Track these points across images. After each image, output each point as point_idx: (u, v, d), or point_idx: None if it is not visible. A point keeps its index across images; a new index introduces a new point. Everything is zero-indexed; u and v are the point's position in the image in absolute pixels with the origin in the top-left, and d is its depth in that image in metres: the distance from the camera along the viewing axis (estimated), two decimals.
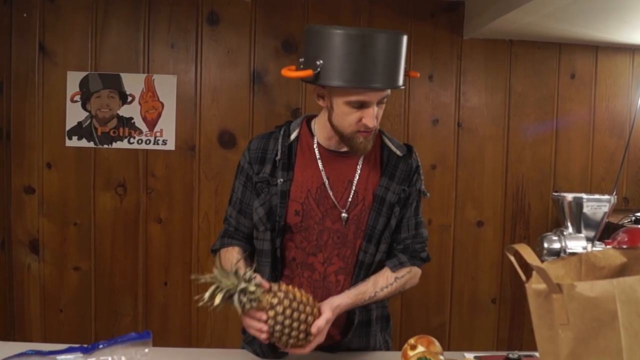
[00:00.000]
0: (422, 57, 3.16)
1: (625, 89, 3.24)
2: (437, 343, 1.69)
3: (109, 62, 3.13)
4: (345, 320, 1.82)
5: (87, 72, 3.13)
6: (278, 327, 1.51)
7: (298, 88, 3.13)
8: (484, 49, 3.19)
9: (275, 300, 1.51)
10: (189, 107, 3.15)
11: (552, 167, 3.23)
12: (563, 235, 1.95)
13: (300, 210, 1.80)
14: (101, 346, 1.43)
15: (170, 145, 3.15)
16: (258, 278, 1.54)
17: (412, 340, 1.70)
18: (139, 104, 3.14)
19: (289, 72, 1.74)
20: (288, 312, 1.51)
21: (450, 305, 3.28)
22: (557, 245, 1.92)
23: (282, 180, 1.79)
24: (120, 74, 3.13)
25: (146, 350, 1.43)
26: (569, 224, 1.97)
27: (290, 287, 1.58)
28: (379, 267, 1.85)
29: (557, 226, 2.92)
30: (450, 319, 3.28)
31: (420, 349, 1.65)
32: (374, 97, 1.66)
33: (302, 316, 1.53)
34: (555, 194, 2.00)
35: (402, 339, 3.16)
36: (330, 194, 1.80)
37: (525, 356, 1.80)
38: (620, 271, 1.32)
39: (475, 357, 1.77)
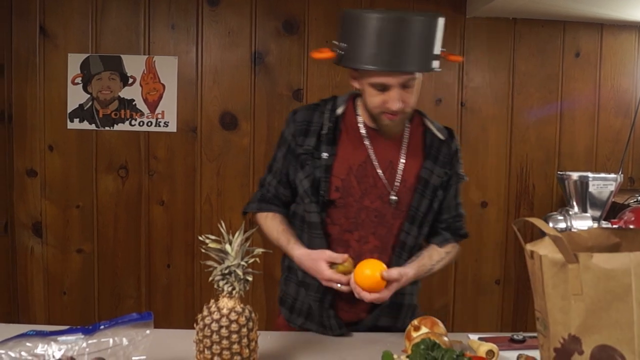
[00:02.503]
0: None
1: (630, 68, 3.20)
2: (441, 324, 1.68)
3: (109, 44, 3.11)
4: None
5: (88, 54, 3.10)
6: None
7: (299, 68, 3.11)
8: (488, 27, 3.15)
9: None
10: (190, 89, 3.13)
11: (556, 147, 3.20)
12: (569, 214, 1.95)
13: (340, 186, 1.82)
14: (102, 327, 1.43)
15: (172, 127, 3.13)
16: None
17: (415, 322, 1.69)
18: (140, 85, 3.12)
19: (316, 54, 1.77)
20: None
21: (454, 287, 3.27)
22: (562, 225, 1.92)
23: (326, 154, 1.81)
24: (121, 55, 3.11)
25: (147, 331, 1.43)
26: (574, 204, 1.96)
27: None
28: (418, 249, 1.90)
29: (561, 207, 2.91)
30: (453, 300, 3.28)
31: (424, 330, 1.64)
32: (393, 80, 1.67)
33: None
34: (560, 173, 1.99)
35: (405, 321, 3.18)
36: (379, 172, 1.83)
37: (531, 337, 1.79)
38: (613, 251, 1.31)
39: (479, 338, 1.76)
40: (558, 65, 3.17)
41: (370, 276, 1.69)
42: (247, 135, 3.13)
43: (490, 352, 1.60)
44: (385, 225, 1.85)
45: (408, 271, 1.77)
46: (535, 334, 1.79)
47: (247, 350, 1.44)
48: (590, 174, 1.79)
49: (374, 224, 1.84)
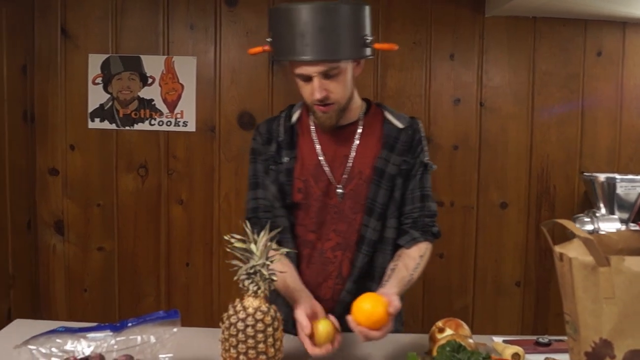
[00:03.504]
0: (443, 36, 3.12)
1: None
2: (465, 326, 1.67)
3: (129, 44, 3.13)
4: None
5: (108, 55, 3.12)
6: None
7: None
8: (507, 26, 3.13)
9: None
10: (208, 89, 3.14)
11: (578, 147, 3.17)
12: (595, 216, 1.92)
13: (302, 187, 1.83)
14: (130, 325, 1.44)
15: (191, 127, 3.15)
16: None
17: (440, 323, 1.68)
18: (159, 85, 3.14)
19: (250, 50, 1.78)
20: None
21: (474, 288, 3.25)
22: (589, 227, 1.89)
23: (287, 159, 1.84)
24: (141, 56, 3.13)
25: (175, 329, 1.44)
26: (601, 205, 1.93)
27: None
28: (389, 245, 1.85)
29: (583, 208, 2.89)
30: (473, 302, 3.26)
31: (449, 331, 1.63)
32: (311, 70, 1.68)
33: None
34: (587, 174, 1.96)
35: (424, 322, 3.18)
36: (327, 170, 1.83)
37: (556, 340, 1.77)
38: None
39: (504, 340, 1.75)
40: (579, 64, 3.14)
41: (372, 311, 1.55)
42: None
43: (515, 355, 1.59)
44: (344, 220, 1.83)
45: (394, 290, 1.66)
46: (560, 337, 1.79)
47: (272, 350, 1.44)
48: (617, 176, 1.76)
49: (334, 220, 1.84)
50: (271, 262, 1.47)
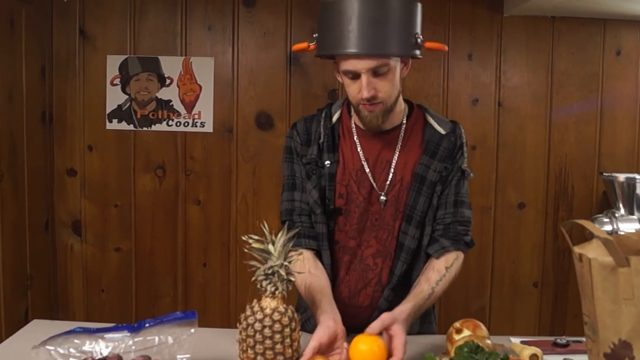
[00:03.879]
0: (461, 35, 3.11)
1: None
2: (483, 327, 1.66)
3: (147, 45, 3.14)
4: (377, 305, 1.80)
5: (126, 56, 3.14)
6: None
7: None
8: (525, 26, 3.11)
9: None
10: (226, 89, 3.15)
11: (596, 147, 3.14)
12: (615, 217, 1.90)
13: (344, 193, 1.79)
14: (147, 325, 1.44)
15: (208, 127, 3.16)
16: None
17: (457, 324, 1.68)
18: (177, 86, 3.15)
19: (295, 46, 1.75)
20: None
21: (491, 289, 3.24)
22: (608, 228, 1.87)
23: (328, 162, 1.78)
24: (159, 56, 3.14)
25: (192, 330, 1.44)
26: (620, 206, 1.91)
27: None
28: (424, 254, 1.80)
29: (602, 208, 2.86)
30: (490, 303, 3.24)
31: (466, 332, 1.63)
32: (360, 66, 1.61)
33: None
34: (606, 174, 1.94)
35: (441, 323, 3.14)
36: (370, 176, 1.78)
37: (575, 341, 1.76)
38: None
39: (521, 341, 1.74)
40: (598, 63, 3.12)
41: (368, 352, 1.47)
42: (282, 135, 3.13)
43: (534, 356, 1.58)
44: (385, 228, 1.79)
45: (407, 311, 1.58)
46: (578, 338, 1.77)
47: (289, 350, 1.44)
48: (637, 176, 1.74)
49: (375, 227, 1.79)
50: (289, 262, 1.46)
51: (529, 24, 3.11)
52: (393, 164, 1.78)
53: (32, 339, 1.44)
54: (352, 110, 1.81)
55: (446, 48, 1.70)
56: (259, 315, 1.43)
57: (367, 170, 1.78)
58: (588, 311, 1.27)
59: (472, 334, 1.60)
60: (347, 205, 1.79)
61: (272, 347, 1.42)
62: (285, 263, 1.45)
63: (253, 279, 1.46)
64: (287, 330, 1.43)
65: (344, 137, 1.82)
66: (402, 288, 1.77)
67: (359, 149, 1.80)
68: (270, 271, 1.45)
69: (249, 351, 1.43)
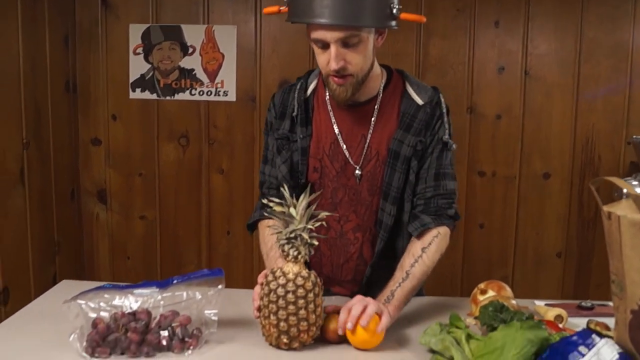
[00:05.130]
0: (488, 2, 3.05)
1: None
2: (507, 288, 1.66)
3: (169, 14, 3.14)
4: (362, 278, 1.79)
5: (149, 25, 3.14)
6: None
7: None
8: None
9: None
10: (249, 58, 3.14)
11: (624, 117, 3.08)
12: None
13: (318, 167, 1.74)
14: (175, 282, 1.46)
15: (231, 96, 3.16)
16: None
17: (482, 285, 1.67)
18: (200, 55, 3.15)
19: (265, 9, 1.63)
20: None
21: (514, 259, 3.22)
22: (638, 190, 1.85)
23: (301, 136, 1.72)
24: (181, 25, 3.14)
25: (219, 286, 1.45)
26: None
27: None
28: (406, 231, 1.72)
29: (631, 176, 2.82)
30: (513, 272, 3.23)
31: (491, 293, 1.63)
32: (328, 36, 1.51)
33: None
34: (636, 137, 1.91)
35: (462, 291, 3.16)
36: (344, 148, 1.71)
37: (599, 305, 1.75)
38: None
39: (546, 304, 1.73)
40: (628, 31, 3.04)
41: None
42: None
43: (559, 317, 1.58)
44: (362, 203, 1.73)
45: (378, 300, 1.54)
46: (603, 302, 1.77)
47: (313, 316, 1.41)
48: None
49: (353, 202, 1.74)
50: (312, 226, 1.43)
51: None
52: (368, 137, 1.70)
53: (63, 296, 1.47)
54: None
55: (424, 19, 1.62)
56: (282, 280, 1.40)
57: (342, 143, 1.72)
58: (616, 269, 1.26)
59: (497, 295, 1.60)
60: (321, 179, 1.74)
61: (295, 312, 1.39)
62: (309, 226, 1.42)
63: (275, 242, 1.45)
64: (311, 295, 1.40)
65: (318, 109, 1.75)
66: (385, 262, 1.72)
67: (332, 121, 1.72)
68: (292, 235, 1.42)
69: (272, 317, 1.40)
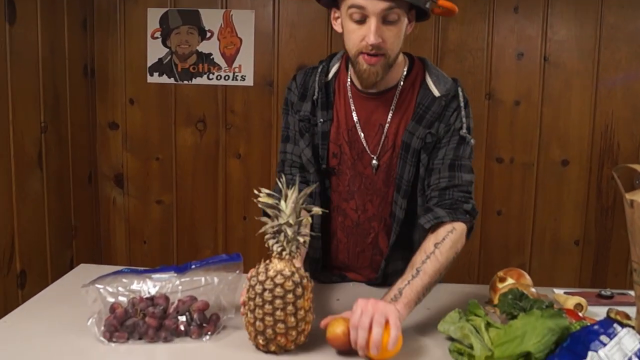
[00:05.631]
0: None
1: None
2: (527, 276, 1.66)
3: None
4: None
5: (167, 9, 3.13)
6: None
7: None
8: None
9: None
10: (267, 42, 3.13)
11: None
12: None
13: (337, 152, 1.73)
14: (193, 266, 1.46)
15: (249, 81, 3.15)
16: None
17: (501, 273, 1.67)
18: (218, 39, 3.14)
19: None
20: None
21: (531, 246, 3.20)
22: None
23: (322, 120, 1.71)
24: (199, 9, 3.13)
25: (237, 271, 1.45)
26: None
27: None
28: (419, 226, 1.68)
29: None
30: (530, 260, 3.21)
31: (510, 281, 1.62)
32: (370, 5, 1.47)
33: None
34: None
35: (480, 278, 3.15)
36: (361, 136, 1.70)
37: (619, 294, 1.74)
38: None
39: (565, 292, 1.72)
40: None
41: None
42: None
43: (578, 306, 1.57)
44: (377, 194, 1.73)
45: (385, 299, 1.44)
46: (623, 291, 1.76)
47: (292, 319, 1.31)
48: None
49: (369, 192, 1.73)
50: (300, 223, 1.33)
51: None
52: (386, 127, 1.68)
53: (80, 280, 1.48)
54: (350, 68, 1.69)
55: (457, 10, 1.60)
56: (262, 277, 1.31)
57: (360, 131, 1.70)
58: (637, 257, 1.25)
59: (516, 282, 1.59)
60: (340, 165, 1.73)
61: (272, 312, 1.30)
62: (292, 222, 1.31)
63: (260, 232, 1.35)
64: (290, 296, 1.30)
65: (339, 94, 1.73)
66: (403, 253, 1.70)
67: (352, 108, 1.71)
68: (276, 229, 1.33)
69: (249, 315, 1.33)
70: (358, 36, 1.53)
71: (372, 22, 1.49)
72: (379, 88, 1.67)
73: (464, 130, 1.65)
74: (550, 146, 3.11)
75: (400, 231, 1.71)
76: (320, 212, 1.35)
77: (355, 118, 1.70)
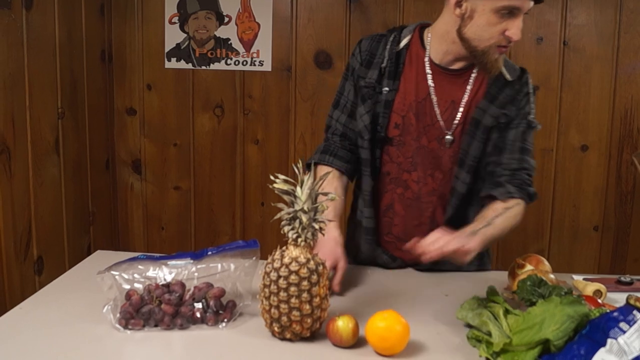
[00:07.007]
0: None
1: None
2: (546, 262, 1.65)
3: None
4: None
5: None
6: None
7: (395, 6, 3.03)
8: None
9: None
10: (285, 28, 3.12)
11: None
12: None
13: (400, 123, 1.74)
14: (210, 253, 1.46)
15: (267, 66, 3.14)
16: None
17: (520, 259, 1.66)
18: (236, 24, 3.13)
19: None
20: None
21: (550, 232, 3.18)
22: None
23: (387, 89, 1.72)
24: None
25: (254, 258, 1.45)
26: None
27: None
28: (476, 203, 1.74)
29: None
30: (549, 245, 3.19)
31: (529, 267, 1.61)
32: (526, 5, 1.54)
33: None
34: None
35: (498, 264, 3.13)
36: (437, 111, 1.72)
37: (639, 280, 1.72)
38: None
39: (584, 279, 1.71)
40: None
41: (387, 332, 1.30)
42: (341, 74, 3.09)
43: (597, 292, 1.56)
44: (441, 169, 1.75)
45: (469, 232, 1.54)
46: None
47: (307, 307, 1.30)
48: None
49: (432, 166, 1.75)
50: (319, 209, 1.32)
51: None
52: (461, 104, 1.72)
53: (97, 267, 1.48)
54: (429, 42, 1.72)
55: None
56: (277, 264, 1.31)
57: (435, 104, 1.72)
58: None
59: (535, 269, 1.58)
60: (402, 136, 1.75)
61: (286, 300, 1.30)
62: (307, 208, 1.30)
63: (275, 218, 1.35)
64: (305, 283, 1.29)
65: (410, 65, 1.74)
66: (458, 229, 1.66)
67: (429, 81, 1.73)
68: (291, 216, 1.32)
69: (264, 302, 1.33)
70: (499, 29, 1.57)
71: (520, 20, 1.55)
72: (459, 65, 1.72)
73: (532, 116, 1.74)
74: (569, 131, 3.08)
75: (458, 206, 1.75)
76: (333, 199, 1.36)
77: (431, 91, 1.73)
